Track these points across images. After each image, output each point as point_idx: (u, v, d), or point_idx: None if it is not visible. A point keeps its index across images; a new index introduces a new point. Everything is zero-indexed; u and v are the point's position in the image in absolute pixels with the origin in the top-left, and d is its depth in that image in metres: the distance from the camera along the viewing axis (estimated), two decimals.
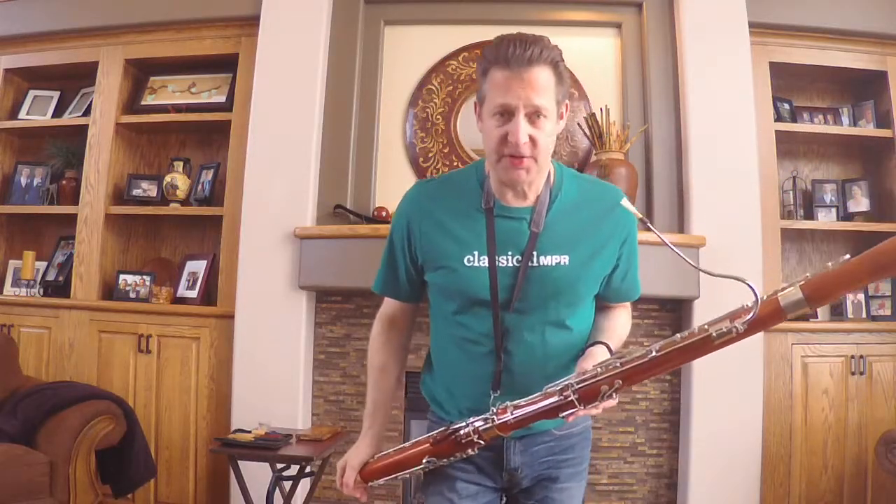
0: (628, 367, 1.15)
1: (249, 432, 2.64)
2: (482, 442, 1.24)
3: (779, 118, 3.23)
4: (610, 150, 2.96)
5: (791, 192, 3.28)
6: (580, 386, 1.16)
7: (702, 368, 2.86)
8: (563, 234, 1.31)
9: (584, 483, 1.44)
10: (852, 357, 3.01)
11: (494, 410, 1.22)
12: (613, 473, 2.99)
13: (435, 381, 1.44)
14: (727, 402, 2.87)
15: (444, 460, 1.28)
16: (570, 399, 1.16)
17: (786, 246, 3.27)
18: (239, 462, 2.56)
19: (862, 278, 1.01)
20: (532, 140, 1.22)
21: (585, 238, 1.31)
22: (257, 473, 2.65)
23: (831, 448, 3.00)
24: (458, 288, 1.32)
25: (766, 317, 1.06)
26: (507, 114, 1.22)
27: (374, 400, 1.45)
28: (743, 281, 1.05)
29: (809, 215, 3.30)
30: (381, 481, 1.36)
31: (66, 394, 2.75)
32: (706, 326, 1.09)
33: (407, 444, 1.34)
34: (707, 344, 1.09)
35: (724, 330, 1.06)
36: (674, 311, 3.03)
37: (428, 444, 1.29)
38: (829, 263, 1.02)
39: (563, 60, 1.25)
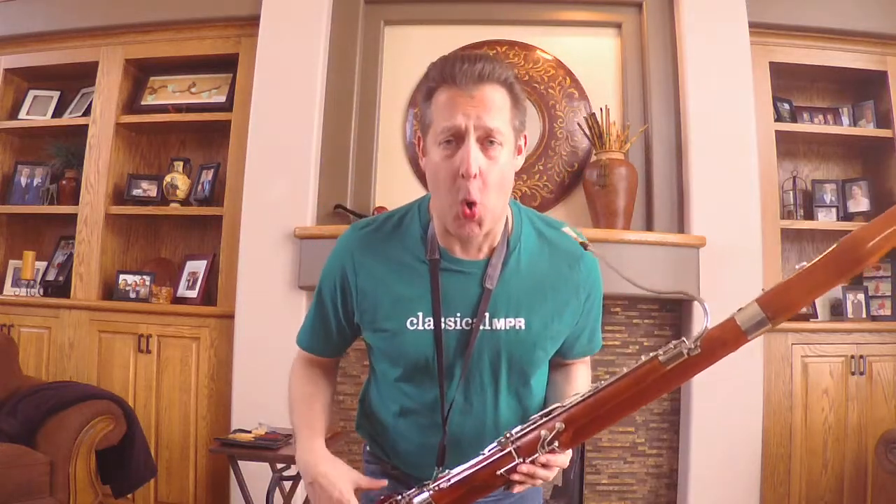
0: (570, 406, 0.98)
1: (249, 432, 2.64)
2: None
3: (779, 118, 3.23)
4: (610, 150, 2.96)
5: (791, 192, 3.28)
6: (519, 434, 1.00)
7: None
8: (520, 292, 1.13)
9: None
10: (852, 357, 3.01)
11: (433, 483, 1.05)
12: (613, 473, 2.99)
13: (375, 430, 1.30)
14: (727, 402, 2.87)
15: None
16: (507, 451, 0.99)
17: (786, 246, 3.26)
18: (239, 462, 2.56)
19: (825, 284, 0.90)
20: (482, 175, 1.02)
21: (546, 297, 1.14)
22: (257, 473, 2.65)
23: (831, 448, 3.00)
24: (399, 353, 1.15)
25: (725, 340, 0.92)
26: (456, 139, 1.04)
27: (307, 413, 1.25)
28: (695, 298, 0.95)
29: (809, 215, 3.30)
30: None
31: (66, 394, 2.75)
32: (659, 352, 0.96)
33: None
34: (657, 369, 0.93)
35: (673, 353, 0.92)
36: (673, 311, 3.03)
37: None
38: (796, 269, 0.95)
39: (518, 83, 1.08)
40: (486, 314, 1.12)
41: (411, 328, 1.13)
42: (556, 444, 0.98)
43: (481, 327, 1.11)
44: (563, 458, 1.02)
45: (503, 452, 1.00)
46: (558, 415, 0.99)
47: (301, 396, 1.27)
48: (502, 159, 1.05)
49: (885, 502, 2.93)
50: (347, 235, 1.22)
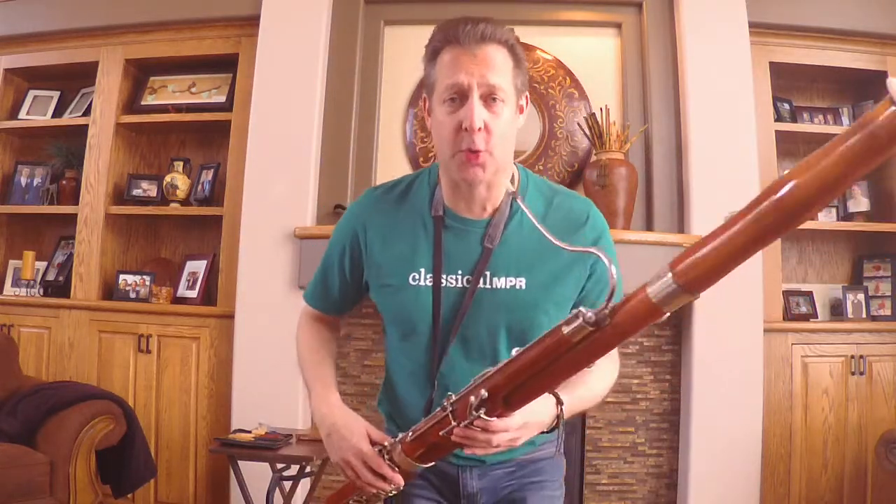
0: (490, 375, 0.96)
1: (249, 432, 2.64)
2: (394, 465, 1.08)
3: (779, 118, 3.23)
4: (610, 150, 2.96)
5: None
6: (456, 398, 0.99)
7: (702, 368, 2.86)
8: (521, 252, 1.15)
9: None
10: (852, 357, 3.01)
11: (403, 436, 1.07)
12: (613, 473, 2.99)
13: (391, 402, 1.31)
14: (727, 402, 2.87)
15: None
16: (446, 414, 0.99)
17: (786, 246, 3.27)
18: (239, 462, 2.56)
19: (750, 248, 0.77)
20: (486, 128, 1.07)
21: (547, 259, 1.14)
22: (257, 473, 2.65)
23: (831, 448, 3.00)
24: (399, 310, 1.19)
25: (637, 313, 0.83)
26: (459, 97, 1.08)
27: (319, 369, 1.28)
28: (598, 255, 0.88)
29: None
30: None
31: (66, 394, 2.75)
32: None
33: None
34: (563, 342, 0.87)
35: (576, 326, 0.85)
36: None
37: None
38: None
39: (519, 45, 1.12)
40: (487, 273, 1.14)
41: (413, 283, 1.16)
42: (483, 410, 0.96)
43: (481, 286, 1.13)
44: (503, 424, 0.98)
45: (443, 415, 1.00)
46: (481, 383, 0.97)
47: (310, 353, 1.32)
48: (505, 116, 1.09)
49: (885, 502, 2.93)
50: (361, 198, 1.27)
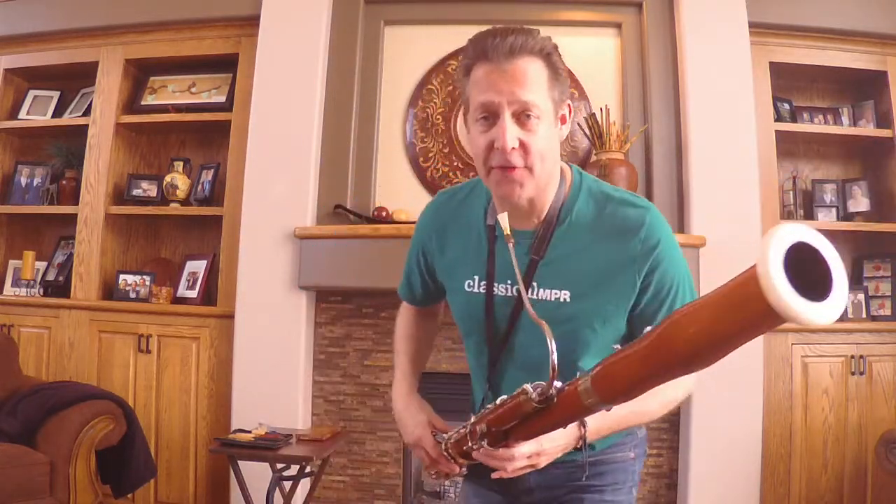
0: (485, 415, 1.03)
1: (249, 432, 2.64)
2: (451, 456, 1.15)
3: (779, 118, 3.23)
4: (610, 150, 2.96)
5: (791, 192, 3.28)
6: (474, 420, 1.05)
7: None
8: (567, 264, 1.12)
9: None
10: (852, 357, 3.01)
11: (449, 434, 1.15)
12: None
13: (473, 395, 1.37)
14: (727, 402, 2.87)
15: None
16: (467, 431, 1.08)
17: None
18: (239, 462, 2.56)
19: (647, 379, 0.80)
20: (523, 146, 1.03)
21: (593, 271, 1.11)
22: (257, 473, 2.65)
23: (831, 448, 3.00)
24: (458, 312, 1.23)
25: (573, 405, 0.89)
26: (491, 115, 1.05)
27: (409, 359, 1.36)
28: (540, 325, 0.96)
29: (809, 215, 3.30)
30: None
31: (66, 394, 2.74)
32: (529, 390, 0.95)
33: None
34: (522, 406, 0.95)
35: (523, 398, 0.93)
36: None
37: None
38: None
39: (556, 53, 1.07)
40: (534, 284, 1.12)
41: (468, 290, 1.20)
42: (486, 441, 1.03)
43: (529, 297, 1.10)
44: (509, 453, 1.03)
45: (464, 432, 1.08)
46: (483, 416, 1.04)
47: (397, 342, 1.41)
48: (541, 132, 1.05)
49: (885, 502, 2.93)
50: (432, 201, 1.31)
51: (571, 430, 1.07)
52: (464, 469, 1.19)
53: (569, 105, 1.12)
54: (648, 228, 1.10)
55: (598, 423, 1.08)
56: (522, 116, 1.04)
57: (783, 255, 0.62)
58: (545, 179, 1.10)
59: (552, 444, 1.06)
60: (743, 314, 0.67)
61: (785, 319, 0.62)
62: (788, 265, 0.62)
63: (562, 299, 1.12)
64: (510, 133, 1.03)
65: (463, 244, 1.21)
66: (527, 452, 1.03)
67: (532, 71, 1.03)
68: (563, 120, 1.11)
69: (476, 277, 1.18)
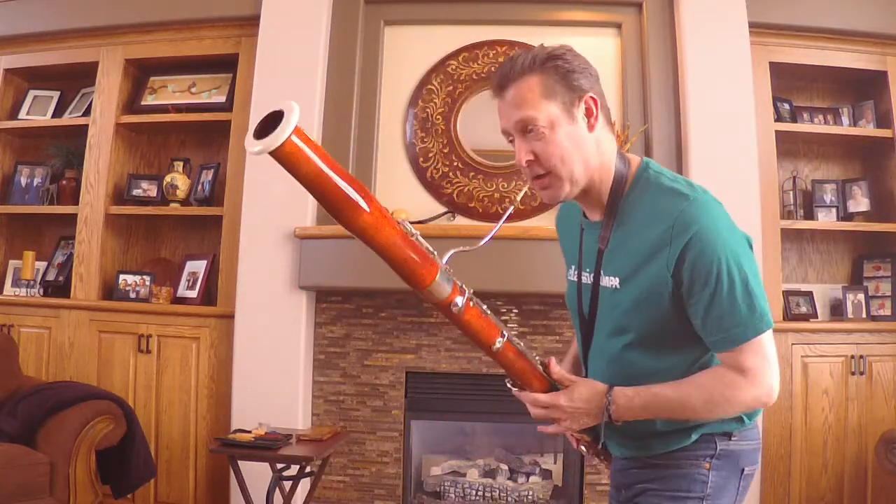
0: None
1: (249, 432, 2.64)
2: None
3: (779, 118, 3.23)
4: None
5: (791, 192, 3.28)
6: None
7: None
8: (620, 253, 1.18)
9: None
10: (852, 357, 3.01)
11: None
12: None
13: None
14: None
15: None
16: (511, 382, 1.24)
17: (786, 246, 3.26)
18: (239, 462, 2.56)
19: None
20: (537, 157, 1.15)
21: (636, 258, 1.16)
22: (257, 473, 2.65)
23: (831, 448, 3.00)
24: (566, 299, 1.37)
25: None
26: (511, 139, 1.19)
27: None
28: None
29: (809, 215, 3.30)
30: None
31: (66, 394, 2.75)
32: (505, 338, 1.16)
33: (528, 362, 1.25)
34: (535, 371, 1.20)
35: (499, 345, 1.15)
36: None
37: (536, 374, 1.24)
38: None
39: (552, 59, 1.14)
40: (601, 272, 1.22)
41: (569, 278, 1.34)
42: (511, 383, 1.24)
43: (601, 285, 1.22)
44: (528, 397, 1.20)
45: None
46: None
47: None
48: (552, 138, 1.14)
49: (885, 502, 2.93)
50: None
51: (597, 397, 1.16)
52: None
53: (589, 98, 1.16)
54: (681, 217, 1.10)
55: (627, 400, 1.15)
56: (526, 132, 1.15)
57: (263, 123, 0.93)
58: (577, 177, 1.17)
59: (569, 403, 1.17)
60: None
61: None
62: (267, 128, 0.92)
63: (614, 286, 1.19)
64: (520, 151, 1.16)
65: (570, 237, 1.34)
66: (541, 401, 1.19)
67: (523, 90, 1.14)
68: (587, 113, 1.17)
69: (573, 267, 1.31)
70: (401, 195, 3.16)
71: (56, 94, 3.71)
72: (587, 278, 1.25)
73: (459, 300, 1.09)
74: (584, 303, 1.26)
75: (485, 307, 1.16)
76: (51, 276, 3.52)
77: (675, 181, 1.18)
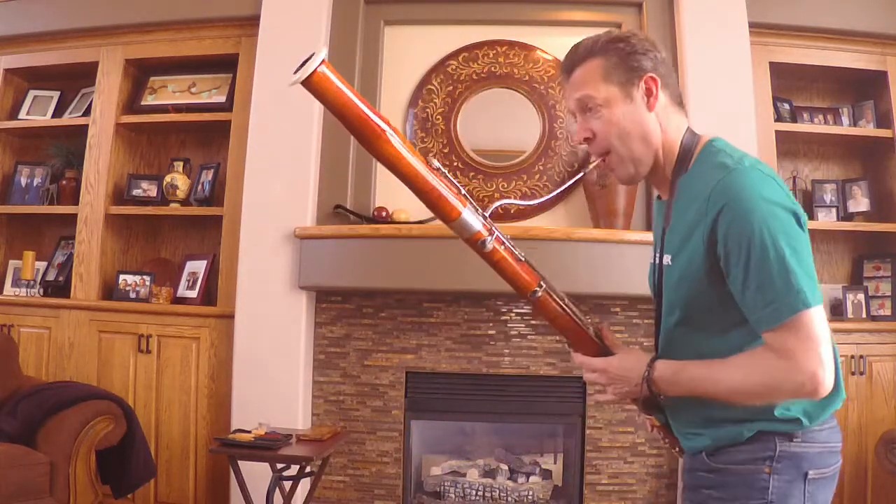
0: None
1: (249, 432, 2.64)
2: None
3: (779, 118, 3.23)
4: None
5: (791, 192, 3.27)
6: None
7: None
8: (675, 230, 1.18)
9: None
10: (852, 357, 3.01)
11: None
12: (613, 473, 2.99)
13: None
14: None
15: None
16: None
17: None
18: (239, 462, 2.56)
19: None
20: (594, 134, 1.20)
21: (681, 233, 1.16)
22: (257, 473, 2.65)
23: None
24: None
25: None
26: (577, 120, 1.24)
27: None
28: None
29: (809, 215, 3.29)
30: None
31: (66, 394, 2.75)
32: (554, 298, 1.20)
33: (576, 321, 1.25)
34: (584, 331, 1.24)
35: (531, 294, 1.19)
36: None
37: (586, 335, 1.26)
38: None
39: (613, 43, 1.18)
40: (664, 251, 1.22)
41: (650, 262, 1.31)
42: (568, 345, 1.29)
43: (663, 262, 1.22)
44: (578, 358, 1.25)
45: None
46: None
47: None
48: (609, 116, 1.18)
49: (885, 502, 2.93)
50: None
51: (639, 365, 1.17)
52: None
53: (649, 78, 1.18)
54: (718, 187, 1.08)
55: (669, 371, 1.15)
56: (585, 112, 1.20)
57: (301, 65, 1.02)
58: (641, 154, 1.20)
59: (615, 368, 1.20)
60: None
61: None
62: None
63: (667, 263, 1.20)
64: (579, 129, 1.22)
65: (656, 219, 1.33)
66: (591, 364, 1.23)
67: (583, 74, 1.19)
68: (647, 93, 1.18)
69: (652, 248, 1.31)
70: (401, 195, 3.15)
71: (56, 94, 3.71)
72: (657, 259, 1.26)
73: (489, 239, 1.13)
74: (655, 284, 1.26)
75: (523, 255, 1.18)
76: (51, 276, 3.52)
77: (728, 156, 1.14)
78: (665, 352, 1.23)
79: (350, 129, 1.09)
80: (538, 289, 1.18)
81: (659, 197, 1.29)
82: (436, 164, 1.13)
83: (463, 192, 1.15)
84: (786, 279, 1.02)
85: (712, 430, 1.17)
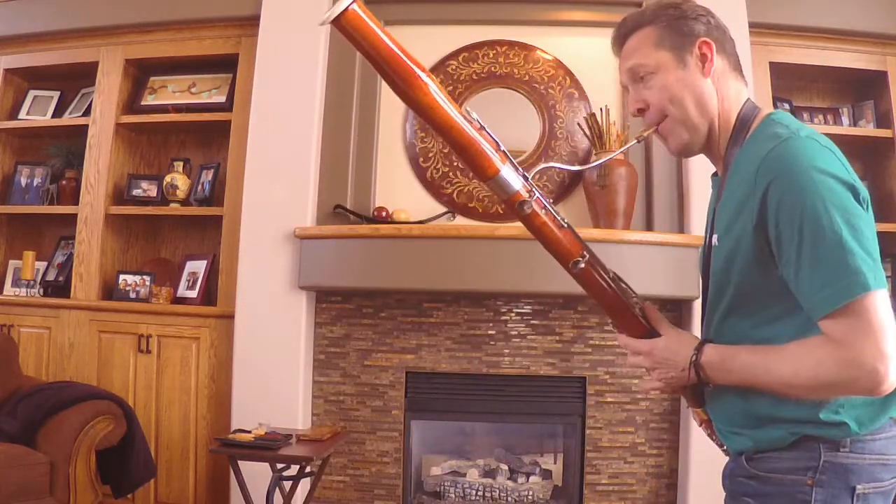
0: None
1: (249, 432, 2.64)
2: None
3: None
4: (610, 150, 2.96)
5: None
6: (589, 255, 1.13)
7: None
8: (724, 209, 1.10)
9: None
10: None
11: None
12: (613, 473, 2.99)
13: None
14: None
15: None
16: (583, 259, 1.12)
17: None
18: (239, 462, 2.56)
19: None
20: (647, 104, 1.15)
21: (730, 210, 1.07)
22: (257, 473, 2.65)
23: None
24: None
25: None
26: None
27: None
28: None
29: None
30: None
31: (66, 394, 2.75)
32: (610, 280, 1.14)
33: (621, 299, 1.17)
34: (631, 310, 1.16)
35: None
36: (674, 311, 3.03)
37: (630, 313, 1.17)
38: None
39: (663, 7, 1.16)
40: (714, 230, 1.15)
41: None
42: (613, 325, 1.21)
43: (712, 243, 1.14)
44: (622, 340, 1.19)
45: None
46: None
47: None
48: (662, 82, 1.13)
49: None
50: None
51: (685, 349, 1.10)
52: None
53: (702, 42, 1.12)
54: (768, 158, 0.99)
55: (717, 357, 1.06)
56: (637, 82, 1.16)
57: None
58: (696, 120, 1.13)
59: (661, 351, 1.12)
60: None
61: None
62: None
63: (715, 243, 1.12)
64: (631, 100, 1.18)
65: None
66: (636, 347, 1.16)
67: (634, 44, 1.17)
68: (701, 59, 1.12)
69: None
70: (401, 195, 3.16)
71: (56, 94, 3.71)
72: (707, 238, 1.18)
73: (529, 201, 1.05)
74: (705, 265, 1.17)
75: (566, 221, 1.09)
76: (51, 276, 3.52)
77: (784, 126, 1.05)
78: (711, 339, 1.14)
79: (382, 74, 1.01)
80: (580, 259, 1.08)
81: (716, 174, 1.22)
82: (474, 115, 1.04)
83: (503, 147, 1.06)
84: (842, 259, 0.91)
85: (753, 431, 1.07)
